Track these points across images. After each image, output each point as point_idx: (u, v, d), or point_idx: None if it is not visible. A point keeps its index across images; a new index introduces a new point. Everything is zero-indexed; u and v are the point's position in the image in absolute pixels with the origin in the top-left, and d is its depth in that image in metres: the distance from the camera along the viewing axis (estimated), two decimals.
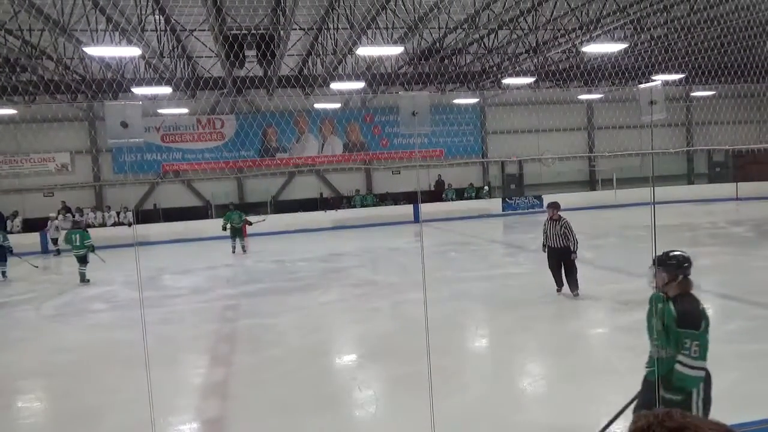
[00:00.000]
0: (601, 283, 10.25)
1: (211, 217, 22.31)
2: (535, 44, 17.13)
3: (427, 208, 21.77)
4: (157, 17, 13.27)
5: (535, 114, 24.00)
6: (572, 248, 9.14)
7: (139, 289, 5.03)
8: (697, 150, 26.46)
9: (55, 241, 19.37)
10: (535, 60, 18.15)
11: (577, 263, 9.34)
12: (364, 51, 14.08)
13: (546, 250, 9.51)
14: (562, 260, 9.30)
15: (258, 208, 22.24)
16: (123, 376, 6.51)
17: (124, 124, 3.89)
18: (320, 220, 22.25)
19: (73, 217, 21.31)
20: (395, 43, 14.22)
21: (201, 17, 12.70)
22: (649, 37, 16.43)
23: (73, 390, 6.57)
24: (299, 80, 18.36)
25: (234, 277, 13.60)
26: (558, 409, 5.31)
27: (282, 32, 13.59)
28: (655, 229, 4.46)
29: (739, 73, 16.72)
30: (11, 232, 18.30)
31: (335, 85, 17.34)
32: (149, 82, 16.46)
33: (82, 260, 13.37)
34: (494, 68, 19.43)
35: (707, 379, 3.53)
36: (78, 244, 13.32)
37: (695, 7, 13.25)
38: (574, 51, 17.71)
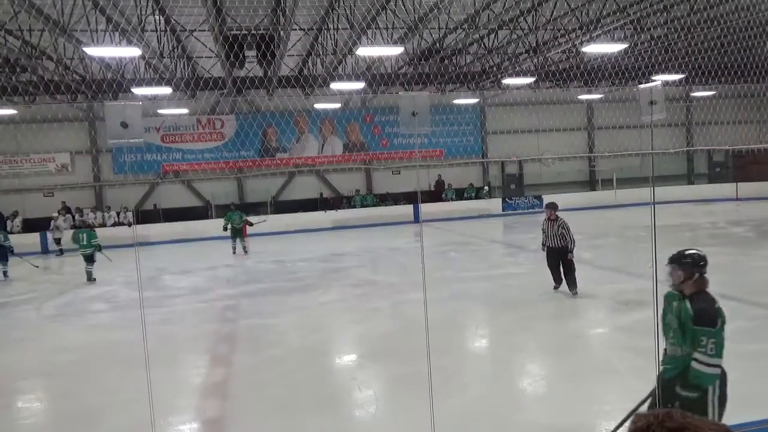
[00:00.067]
0: (600, 283, 10.26)
1: (211, 218, 22.31)
2: (535, 44, 17.14)
3: (427, 208, 21.78)
4: (157, 17, 13.27)
5: (535, 114, 24.00)
6: (569, 247, 9.26)
7: (139, 289, 5.03)
8: (697, 150, 26.46)
9: (57, 241, 19.41)
10: (535, 60, 18.16)
11: (577, 263, 9.47)
12: (364, 51, 14.08)
13: (545, 249, 9.67)
14: (560, 259, 9.44)
15: (258, 208, 22.24)
16: (123, 376, 6.52)
17: (124, 125, 3.89)
18: (320, 220, 22.25)
19: (74, 217, 21.39)
20: (395, 43, 14.22)
21: (201, 17, 12.70)
22: (649, 37, 16.43)
23: (73, 390, 6.57)
24: (299, 80, 18.37)
25: (234, 277, 13.60)
26: (558, 409, 5.32)
27: (282, 32, 13.59)
28: (655, 229, 4.47)
29: (739, 73, 16.72)
30: (11, 232, 18.29)
31: (335, 85, 17.35)
32: (149, 83, 16.46)
33: (89, 259, 13.50)
34: (494, 68, 19.43)
35: (723, 377, 3.56)
36: (85, 243, 13.43)
37: (695, 7, 13.25)
38: (574, 51, 17.72)
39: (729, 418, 3.67)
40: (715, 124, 23.33)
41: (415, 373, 5.47)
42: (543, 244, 9.71)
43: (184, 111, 21.46)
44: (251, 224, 17.17)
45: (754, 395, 5.14)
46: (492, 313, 9.15)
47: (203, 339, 8.39)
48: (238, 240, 16.71)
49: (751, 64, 15.83)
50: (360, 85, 17.51)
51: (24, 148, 21.55)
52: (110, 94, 17.12)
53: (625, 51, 16.69)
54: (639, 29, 15.01)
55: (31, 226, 21.02)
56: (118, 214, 22.05)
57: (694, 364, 3.49)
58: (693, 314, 3.52)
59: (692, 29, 14.45)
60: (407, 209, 22.93)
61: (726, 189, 24.10)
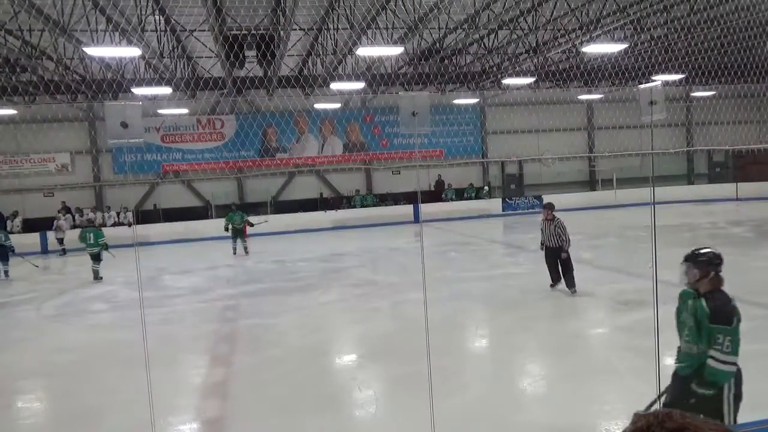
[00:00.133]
0: (600, 283, 10.26)
1: (211, 218, 22.31)
2: (535, 44, 17.13)
3: (427, 208, 21.77)
4: (157, 17, 13.27)
5: (535, 114, 24.00)
6: (563, 247, 9.43)
7: (139, 289, 5.03)
8: (697, 150, 26.46)
9: (60, 241, 19.46)
10: (535, 60, 18.15)
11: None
12: (364, 51, 14.08)
13: (543, 248, 9.85)
14: (557, 258, 9.60)
15: (258, 208, 22.22)
16: (123, 376, 6.52)
17: (124, 125, 3.90)
18: (320, 221, 22.25)
19: (74, 217, 21.40)
20: (395, 43, 14.21)
21: (201, 17, 12.70)
22: (649, 37, 16.43)
23: (73, 390, 6.57)
24: (299, 80, 18.36)
25: (234, 277, 13.60)
26: (558, 409, 5.32)
27: (282, 32, 13.59)
28: (655, 229, 4.47)
29: (739, 73, 16.71)
30: (12, 232, 18.31)
31: (335, 85, 17.34)
32: (149, 83, 16.45)
33: (96, 258, 13.65)
34: (494, 68, 19.43)
35: (738, 375, 3.59)
36: (92, 242, 13.60)
37: (695, 7, 13.25)
38: (574, 51, 17.71)
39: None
40: (715, 124, 23.32)
41: (415, 373, 5.47)
42: (541, 244, 9.87)
43: (184, 111, 21.45)
44: (252, 225, 17.15)
45: (755, 395, 5.12)
46: (492, 313, 9.16)
47: (203, 339, 8.39)
48: (238, 240, 16.68)
49: (751, 64, 15.82)
50: (360, 85, 17.50)
51: (24, 148, 21.54)
52: (110, 94, 17.11)
53: (625, 51, 16.69)
54: (639, 29, 15.01)
55: (31, 226, 21.02)
56: (118, 214, 22.06)
57: (710, 361, 3.53)
58: (709, 312, 3.55)
59: (692, 29, 14.45)
60: (407, 209, 22.93)
61: (726, 189, 24.10)
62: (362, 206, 23.91)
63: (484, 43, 17.73)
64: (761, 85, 20.88)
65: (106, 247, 13.67)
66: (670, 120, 25.79)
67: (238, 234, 16.64)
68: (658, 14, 14.22)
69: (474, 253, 15.23)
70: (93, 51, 12.42)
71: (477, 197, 24.92)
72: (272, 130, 23.75)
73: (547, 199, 23.06)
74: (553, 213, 9.66)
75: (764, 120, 25.08)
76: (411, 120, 4.13)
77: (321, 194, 24.80)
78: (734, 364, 3.51)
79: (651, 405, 3.79)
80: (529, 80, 19.22)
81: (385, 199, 24.63)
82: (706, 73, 18.03)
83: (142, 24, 12.36)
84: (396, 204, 23.97)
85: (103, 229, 14.94)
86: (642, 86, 4.31)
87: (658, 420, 1.14)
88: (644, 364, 5.09)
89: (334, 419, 5.39)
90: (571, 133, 26.32)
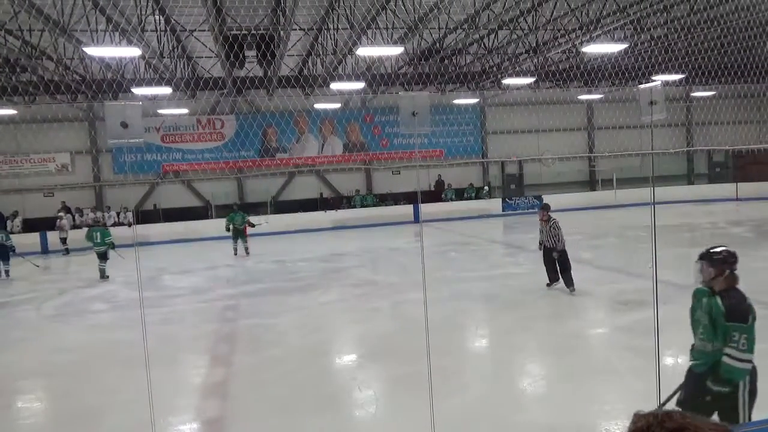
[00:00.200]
0: (600, 283, 10.27)
1: (211, 218, 22.31)
2: (535, 44, 17.13)
3: (427, 208, 21.77)
4: (157, 17, 13.27)
5: (535, 114, 23.99)
6: (556, 247, 9.59)
7: (139, 289, 5.03)
8: (697, 150, 26.46)
9: (63, 241, 19.51)
10: (535, 60, 18.15)
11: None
12: (364, 51, 14.07)
13: (541, 248, 10.00)
14: (555, 258, 9.72)
15: (258, 208, 22.22)
16: (123, 376, 6.52)
17: (124, 125, 3.89)
18: (320, 221, 22.25)
19: (74, 217, 21.41)
20: (395, 43, 14.21)
21: (201, 17, 12.70)
22: (649, 37, 16.43)
23: (73, 390, 6.57)
24: (299, 80, 18.36)
25: (234, 277, 13.60)
26: (558, 409, 5.32)
27: (282, 32, 13.58)
28: (655, 229, 4.47)
29: (739, 73, 16.70)
30: (12, 233, 18.32)
31: (335, 86, 17.34)
32: (149, 83, 16.45)
33: (103, 257, 13.79)
34: (494, 68, 19.43)
35: (753, 372, 3.61)
36: (99, 241, 13.78)
37: (695, 7, 13.25)
38: (574, 51, 17.71)
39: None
40: (715, 124, 23.33)
41: (415, 373, 5.47)
42: (540, 244, 10.03)
43: (184, 111, 21.45)
44: (253, 225, 17.13)
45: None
46: (492, 313, 9.16)
47: (203, 339, 8.39)
48: (239, 241, 16.65)
49: (751, 64, 15.82)
50: (360, 85, 17.50)
51: (24, 148, 21.54)
52: (110, 94, 17.11)
53: (625, 51, 16.68)
54: (639, 29, 15.00)
55: (31, 226, 21.02)
56: (118, 214, 22.05)
57: (725, 359, 3.55)
58: (725, 310, 3.58)
59: (692, 29, 14.44)
60: (407, 209, 22.92)
61: (726, 189, 24.09)
62: (362, 206, 23.90)
63: (484, 43, 17.73)
64: (761, 85, 20.87)
65: (112, 245, 13.85)
66: (670, 120, 25.79)
67: (239, 234, 16.60)
68: (658, 14, 14.21)
69: (474, 253, 15.23)
70: (93, 51, 12.42)
71: (477, 197, 24.92)
72: (272, 130, 23.75)
73: (547, 199, 23.12)
74: (549, 214, 9.83)
75: (764, 120, 25.08)
76: (411, 120, 4.13)
77: (321, 194, 24.80)
78: (749, 361, 3.55)
79: (665, 402, 3.80)
80: (529, 80, 19.21)
81: (385, 199, 24.63)
82: (706, 73, 18.02)
83: (142, 24, 12.36)
84: (396, 204, 23.97)
85: None
86: (642, 86, 4.30)
87: (658, 420, 1.14)
88: (644, 364, 5.10)
89: (334, 419, 5.39)
90: (571, 133, 26.32)
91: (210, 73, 17.27)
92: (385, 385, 6.24)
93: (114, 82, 16.39)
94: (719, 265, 3.70)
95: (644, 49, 17.25)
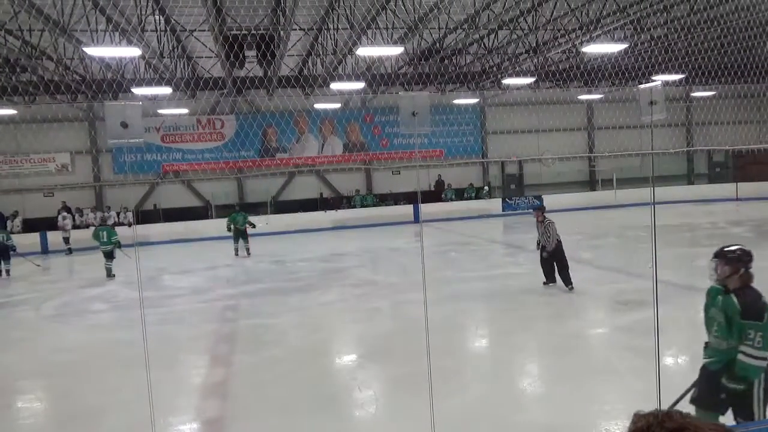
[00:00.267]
0: (600, 283, 10.28)
1: (212, 218, 22.31)
2: (535, 44, 17.13)
3: (427, 209, 21.76)
4: (157, 17, 13.27)
5: (535, 114, 23.99)
6: (542, 243, 9.82)
7: (139, 289, 5.03)
8: (697, 150, 26.46)
9: (66, 240, 19.51)
10: (535, 60, 18.15)
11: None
12: (364, 51, 14.08)
13: (539, 248, 10.12)
14: (552, 258, 9.83)
15: (258, 208, 22.23)
16: (123, 376, 6.51)
17: (124, 125, 3.89)
18: (320, 221, 22.25)
19: (74, 217, 21.41)
20: (395, 43, 14.21)
21: (201, 17, 12.70)
22: (649, 37, 16.43)
23: (73, 390, 6.57)
24: (299, 80, 18.36)
25: (234, 277, 13.60)
26: (558, 409, 5.32)
27: (282, 32, 13.59)
28: (655, 229, 4.47)
29: (739, 73, 16.71)
30: (12, 233, 18.33)
31: (335, 85, 17.34)
32: (149, 83, 16.44)
33: (109, 256, 13.88)
34: (494, 68, 19.43)
35: None
36: (105, 240, 13.87)
37: (695, 7, 13.25)
38: (574, 51, 17.71)
39: (730, 418, 3.68)
40: (715, 124, 23.32)
41: (415, 373, 5.47)
42: (537, 243, 10.13)
43: (184, 111, 21.44)
44: (254, 226, 17.09)
45: None
46: (492, 313, 9.16)
47: (203, 339, 8.39)
48: (240, 241, 16.61)
49: (751, 64, 15.82)
50: (360, 85, 17.50)
51: (24, 148, 21.54)
52: (110, 94, 17.11)
53: (625, 51, 16.69)
54: (639, 29, 15.01)
55: (31, 226, 21.03)
56: (118, 214, 22.04)
57: (741, 356, 3.57)
58: (740, 308, 3.60)
59: (692, 29, 14.45)
60: (407, 209, 22.92)
61: (726, 189, 24.09)
62: (362, 206, 23.91)
63: (484, 43, 17.73)
64: (761, 85, 20.87)
65: (119, 244, 13.93)
66: (670, 120, 25.79)
67: (241, 235, 16.54)
68: (658, 14, 14.21)
69: (474, 253, 15.23)
70: (93, 51, 12.42)
71: (477, 197, 24.92)
72: (272, 130, 23.74)
73: (547, 199, 23.18)
74: (544, 214, 9.97)
75: (764, 120, 25.07)
76: (411, 120, 4.13)
77: (321, 194, 24.79)
78: (765, 359, 3.57)
79: (679, 400, 3.81)
80: (529, 80, 19.22)
81: (385, 199, 24.63)
82: (706, 73, 18.02)
83: (142, 24, 12.36)
84: (396, 204, 23.97)
85: None
86: (642, 86, 4.30)
87: (658, 420, 1.14)
88: (644, 364, 5.09)
89: (334, 419, 5.39)
90: (571, 133, 26.32)
91: (210, 73, 17.27)
92: (385, 385, 6.23)
93: (114, 82, 16.39)
94: (734, 263, 3.72)
95: (644, 49, 17.26)
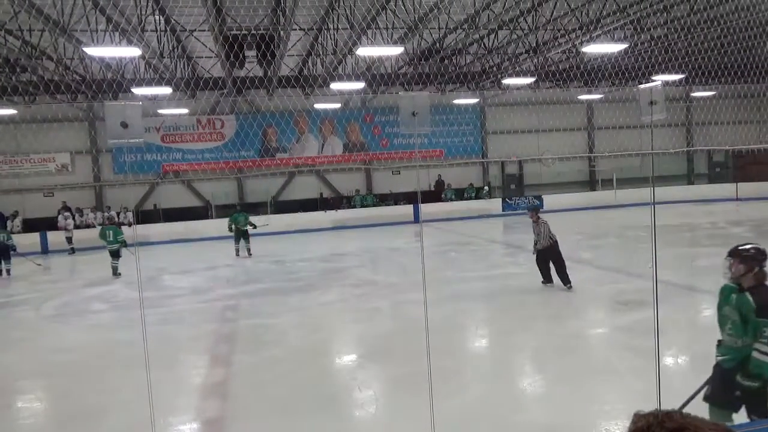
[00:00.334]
0: (600, 283, 10.28)
1: (212, 218, 22.32)
2: (535, 44, 17.13)
3: (427, 209, 21.77)
4: (157, 17, 13.27)
5: (535, 114, 24.00)
6: (535, 242, 9.96)
7: (139, 289, 5.03)
8: (697, 150, 26.46)
9: (69, 240, 19.52)
10: (535, 60, 18.15)
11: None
12: (364, 51, 14.08)
13: (535, 248, 10.24)
14: (547, 257, 9.93)
15: (258, 208, 22.23)
16: (123, 376, 6.51)
17: (124, 125, 3.89)
18: (320, 220, 22.25)
19: (74, 217, 21.41)
20: (395, 43, 14.21)
21: (201, 17, 12.70)
22: (649, 37, 16.43)
23: (73, 390, 6.57)
24: (299, 80, 18.36)
25: (234, 277, 13.60)
26: (557, 409, 5.32)
27: (282, 32, 13.59)
28: (655, 229, 4.47)
29: (739, 73, 16.71)
30: (12, 233, 18.34)
31: (335, 85, 17.34)
32: (149, 83, 16.45)
33: (115, 255, 13.95)
34: (494, 68, 19.43)
35: None
36: (111, 239, 13.97)
37: (695, 7, 13.25)
38: (574, 51, 17.71)
39: (734, 418, 3.69)
40: (715, 124, 23.31)
41: (415, 373, 5.47)
42: (534, 244, 10.22)
43: (184, 111, 21.45)
44: (255, 226, 17.07)
45: None
46: (492, 313, 9.16)
47: (203, 339, 8.39)
48: (242, 241, 16.57)
49: (751, 64, 15.82)
50: (360, 85, 17.50)
51: (24, 148, 21.53)
52: (110, 94, 17.11)
53: (625, 51, 16.69)
54: (639, 29, 15.01)
55: (31, 226, 21.03)
56: (118, 214, 22.00)
57: (755, 354, 3.59)
58: (755, 306, 3.62)
59: (692, 29, 14.45)
60: (407, 209, 22.93)
61: (726, 189, 24.09)
62: (362, 206, 23.91)
63: (484, 43, 17.73)
64: (761, 85, 20.87)
65: (125, 243, 14.02)
66: (670, 120, 25.79)
67: (242, 235, 16.49)
68: (658, 14, 14.21)
69: (474, 253, 15.23)
70: (93, 51, 12.42)
71: (477, 197, 24.92)
72: (272, 130, 23.75)
73: (547, 199, 23.20)
74: (538, 215, 10.08)
75: (764, 120, 25.06)
76: (411, 120, 4.13)
77: (321, 194, 24.80)
78: None
79: (692, 398, 3.81)
80: (529, 80, 19.22)
81: (385, 199, 24.63)
82: (706, 73, 18.02)
83: (142, 24, 12.36)
84: (396, 204, 23.97)
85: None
86: (642, 86, 4.30)
87: (658, 420, 1.14)
88: (644, 364, 5.10)
89: (334, 419, 5.39)
90: (571, 133, 26.32)
91: (210, 73, 17.27)
92: (385, 386, 6.23)
93: (114, 82, 16.39)
94: (749, 261, 3.73)
95: (644, 49, 17.26)
